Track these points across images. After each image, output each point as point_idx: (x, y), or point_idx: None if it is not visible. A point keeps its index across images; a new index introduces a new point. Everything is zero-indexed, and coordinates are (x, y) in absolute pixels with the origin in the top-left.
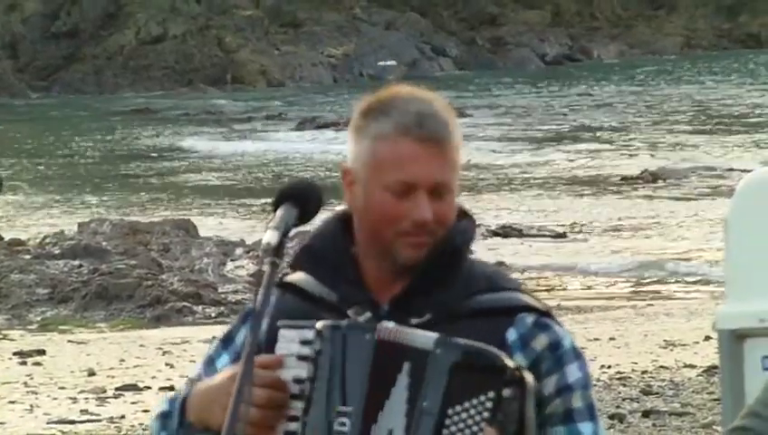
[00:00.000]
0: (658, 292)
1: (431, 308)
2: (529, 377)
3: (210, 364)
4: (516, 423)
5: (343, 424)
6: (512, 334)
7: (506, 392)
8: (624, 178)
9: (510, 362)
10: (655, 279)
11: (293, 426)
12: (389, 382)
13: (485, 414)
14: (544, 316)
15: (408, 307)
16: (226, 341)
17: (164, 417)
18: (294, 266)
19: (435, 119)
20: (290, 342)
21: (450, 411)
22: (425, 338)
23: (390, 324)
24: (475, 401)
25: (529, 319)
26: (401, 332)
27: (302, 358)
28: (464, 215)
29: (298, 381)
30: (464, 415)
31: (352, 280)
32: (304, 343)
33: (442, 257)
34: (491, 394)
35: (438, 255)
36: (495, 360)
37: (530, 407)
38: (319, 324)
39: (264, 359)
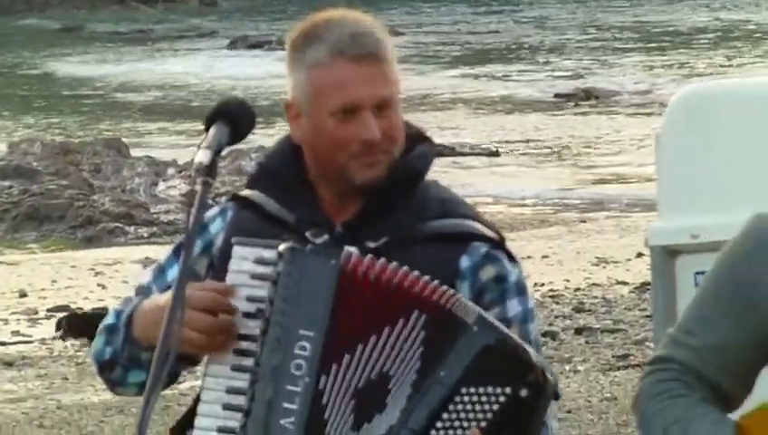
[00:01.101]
0: (592, 208)
1: (386, 232)
2: (552, 384)
3: (161, 273)
4: (523, 426)
5: (303, 348)
6: (464, 262)
7: (523, 392)
8: (557, 96)
9: (539, 364)
10: (588, 196)
11: (246, 344)
12: (382, 321)
13: (495, 407)
14: (496, 248)
15: (364, 230)
16: (178, 252)
17: (109, 331)
18: (250, 185)
19: (368, 37)
20: (243, 259)
21: (464, 390)
22: (468, 309)
23: (354, 252)
24: (490, 390)
25: (482, 249)
26: (457, 298)
27: (256, 276)
28: (423, 138)
29: (252, 299)
30: (474, 398)
31: (309, 202)
32: (259, 261)
33: (400, 181)
34: (508, 390)
35: (397, 178)
36: (526, 356)
37: (542, 413)
38: (281, 247)
39: (215, 285)
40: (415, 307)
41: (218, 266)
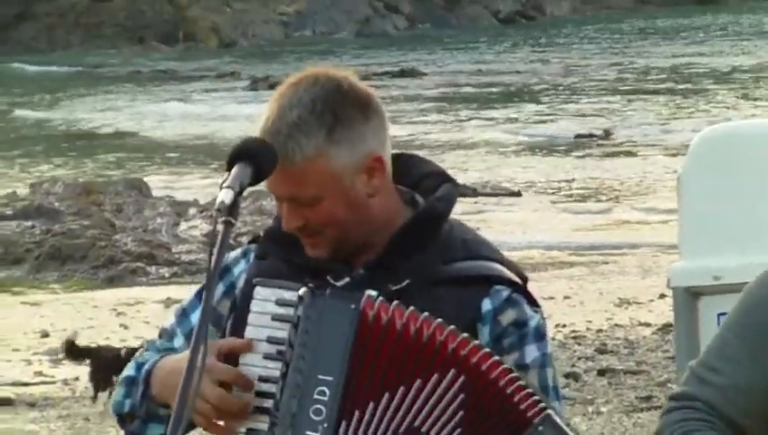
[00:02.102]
0: (614, 249)
1: (408, 273)
2: None
3: (184, 317)
4: None
5: (323, 393)
6: (486, 305)
7: None
8: (578, 136)
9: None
10: (610, 236)
11: (266, 386)
12: (415, 375)
13: None
14: (518, 292)
15: (386, 272)
16: (202, 293)
17: (129, 383)
18: (261, 252)
19: (278, 136)
20: (265, 300)
21: None
22: (535, 405)
23: (376, 296)
24: None
25: (504, 293)
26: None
27: (277, 318)
28: (446, 179)
29: (273, 341)
30: None
31: None
32: (280, 302)
33: (423, 223)
34: None
35: (420, 220)
36: None
37: None
38: (301, 290)
39: (233, 342)
40: (451, 366)
41: (240, 307)
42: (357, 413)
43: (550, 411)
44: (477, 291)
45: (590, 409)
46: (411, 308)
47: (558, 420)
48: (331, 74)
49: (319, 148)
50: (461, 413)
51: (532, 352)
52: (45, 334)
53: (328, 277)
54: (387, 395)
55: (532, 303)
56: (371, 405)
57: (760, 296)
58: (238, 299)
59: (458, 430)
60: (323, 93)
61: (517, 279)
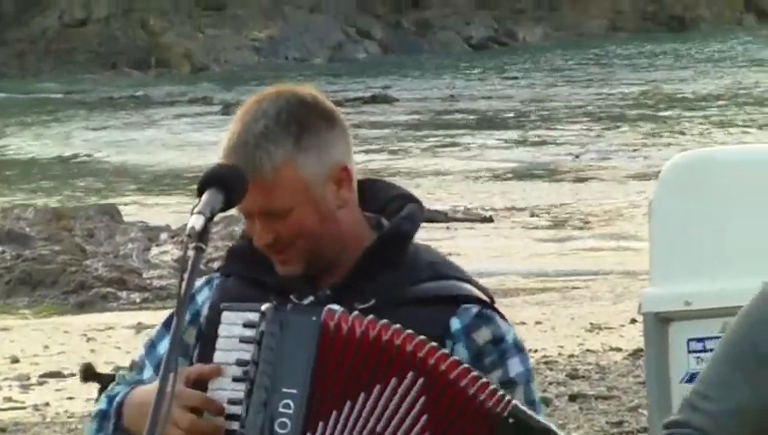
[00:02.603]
0: (585, 274)
1: (375, 293)
2: None
3: (152, 348)
4: None
5: (287, 406)
6: (455, 324)
7: None
8: (549, 162)
9: None
10: (582, 262)
11: (235, 408)
12: (373, 380)
13: None
14: (487, 308)
15: (353, 292)
16: (169, 323)
17: (102, 417)
18: (225, 269)
19: (245, 147)
20: (232, 324)
21: None
22: (499, 397)
23: (336, 307)
24: None
25: (473, 310)
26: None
27: (244, 340)
28: (408, 199)
29: (241, 363)
30: None
31: None
32: (247, 325)
33: (389, 243)
34: None
35: (385, 240)
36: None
37: None
38: (263, 307)
39: (199, 370)
40: (410, 369)
41: (207, 335)
42: (321, 424)
43: (515, 402)
44: (444, 310)
45: (562, 434)
46: (371, 317)
47: (525, 409)
48: (294, 89)
49: (287, 156)
50: (425, 416)
51: (515, 367)
52: (15, 360)
53: (291, 296)
54: (348, 404)
55: (503, 318)
56: (335, 415)
57: (752, 319)
58: (204, 326)
59: (426, 433)
60: (288, 105)
61: (485, 297)
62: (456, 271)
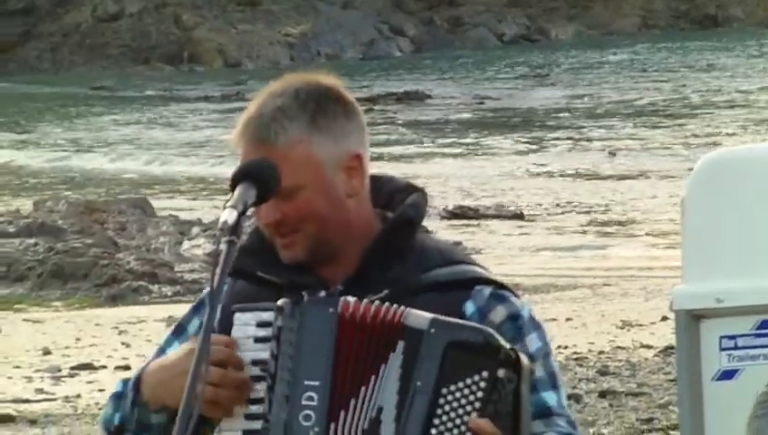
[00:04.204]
0: (617, 271)
1: (387, 284)
2: (525, 359)
3: (161, 354)
4: (511, 405)
5: (311, 398)
6: (470, 307)
7: (500, 373)
8: (583, 159)
9: (505, 343)
10: (613, 259)
11: (255, 408)
12: (379, 359)
13: (480, 394)
14: (500, 288)
15: (365, 284)
16: (178, 331)
17: (117, 398)
18: (238, 268)
19: (259, 121)
20: (245, 325)
21: (444, 391)
22: (420, 317)
23: (351, 298)
24: (469, 381)
25: (486, 291)
26: (401, 310)
27: (259, 340)
28: (412, 189)
29: (257, 363)
30: (458, 394)
31: (300, 268)
32: (261, 324)
33: (395, 231)
34: (485, 374)
35: (392, 228)
36: (490, 340)
37: (525, 388)
38: (280, 301)
39: (218, 338)
40: (399, 338)
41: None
42: (342, 413)
43: (435, 316)
44: (459, 294)
45: (592, 431)
46: (377, 302)
47: (444, 318)
48: (317, 76)
49: (302, 133)
50: (400, 371)
51: (534, 342)
52: (47, 352)
53: (303, 293)
54: (363, 389)
55: (517, 296)
56: (353, 402)
57: None
58: (216, 331)
59: (397, 385)
60: (307, 87)
61: (496, 278)
62: (464, 256)
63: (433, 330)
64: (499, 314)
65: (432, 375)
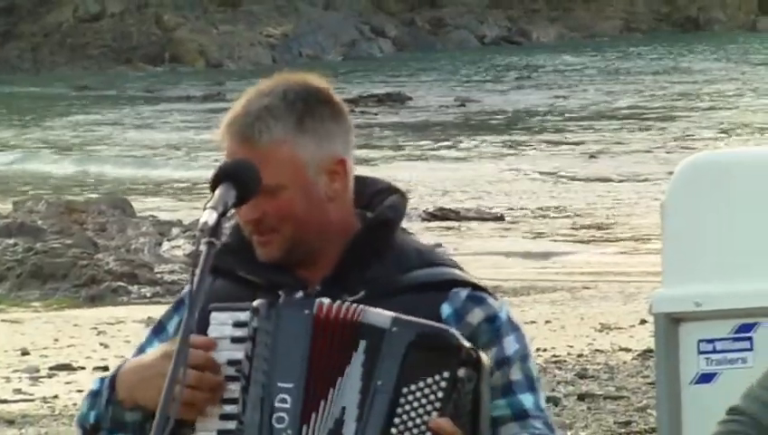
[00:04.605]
0: (596, 274)
1: (364, 284)
2: (485, 358)
3: (141, 353)
4: (471, 404)
5: (284, 401)
6: (446, 309)
7: (461, 372)
8: (563, 162)
9: (466, 343)
10: (592, 262)
11: (230, 408)
12: (344, 360)
13: (440, 394)
14: (477, 290)
15: (342, 285)
16: (157, 330)
17: (93, 396)
18: (216, 268)
19: (245, 118)
20: (222, 324)
21: (405, 390)
22: (381, 316)
23: (327, 300)
24: (429, 381)
25: (463, 293)
26: (361, 309)
27: (235, 340)
28: (392, 190)
29: (233, 362)
30: (418, 394)
31: (279, 268)
32: (237, 324)
33: (374, 231)
34: (446, 374)
35: (370, 229)
36: (451, 339)
37: (485, 387)
38: (255, 302)
39: (196, 340)
40: (361, 338)
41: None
42: (313, 415)
43: (397, 315)
44: (435, 296)
45: (569, 434)
46: (351, 304)
47: (405, 317)
48: (306, 77)
49: (287, 133)
50: (361, 371)
51: (511, 345)
52: (25, 352)
53: (280, 293)
54: (331, 390)
55: (495, 298)
56: (322, 403)
57: None
58: (194, 329)
59: (359, 384)
60: (296, 87)
61: (475, 280)
62: (443, 258)
63: (395, 329)
64: (476, 315)
65: (393, 374)
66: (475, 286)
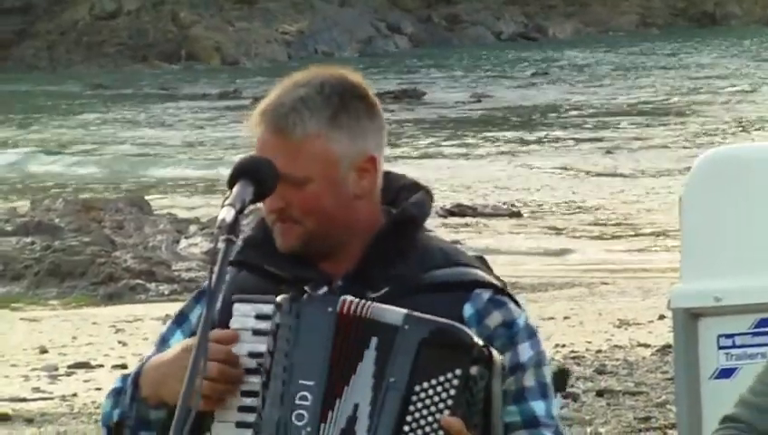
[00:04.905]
0: (614, 270)
1: (388, 281)
2: (497, 356)
3: (164, 344)
4: (483, 402)
5: (305, 398)
6: (468, 310)
7: (473, 370)
8: (580, 158)
9: (478, 340)
10: (610, 257)
11: (249, 401)
12: (356, 357)
13: (452, 392)
14: (500, 293)
15: (365, 281)
16: (180, 319)
17: (116, 394)
18: (239, 257)
19: (279, 109)
20: (245, 316)
21: (417, 388)
22: (394, 313)
23: (351, 298)
24: (441, 378)
25: (485, 295)
26: (372, 306)
27: (257, 332)
28: (418, 187)
29: (254, 355)
30: (430, 392)
31: (302, 261)
32: (260, 317)
33: (398, 228)
34: (458, 371)
35: (395, 225)
36: (463, 337)
37: (497, 385)
38: (279, 298)
39: (219, 334)
40: (373, 335)
41: (220, 325)
42: (330, 414)
43: (409, 312)
44: (458, 296)
45: (589, 430)
46: (369, 302)
47: (417, 314)
48: (344, 72)
49: (321, 127)
50: (373, 368)
51: (526, 351)
52: (44, 350)
53: (305, 288)
54: (346, 388)
55: (517, 303)
56: (338, 402)
57: None
58: (216, 321)
59: (372, 381)
60: (334, 81)
61: (497, 282)
62: (467, 257)
63: (407, 326)
64: (495, 319)
65: (405, 372)
66: (498, 289)
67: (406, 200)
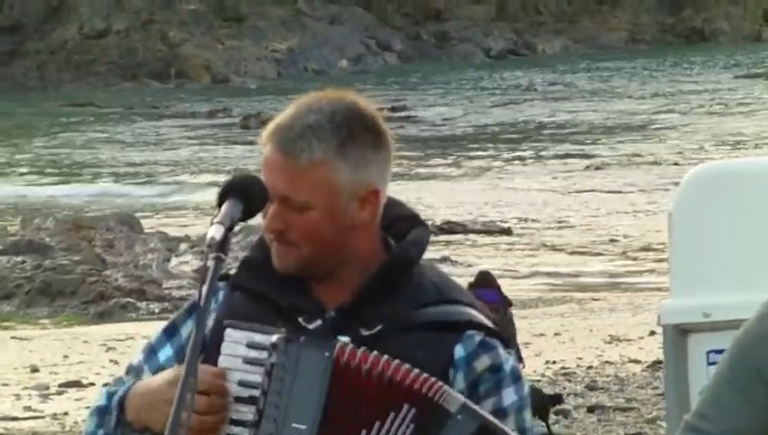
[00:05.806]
0: (604, 286)
1: (381, 319)
2: None
3: (152, 354)
4: None
5: None
6: (459, 351)
7: None
8: (569, 173)
9: None
10: (601, 274)
11: (238, 430)
12: (373, 414)
13: None
14: (491, 335)
15: (359, 317)
16: (170, 332)
17: (101, 413)
18: (237, 282)
19: (289, 133)
20: (236, 343)
21: None
22: (451, 398)
23: (349, 345)
24: None
25: (477, 337)
26: (440, 387)
27: (248, 361)
28: (417, 222)
29: (244, 384)
30: None
31: (299, 287)
32: (252, 346)
33: (395, 267)
34: None
35: (392, 264)
36: None
37: None
38: (274, 337)
39: (207, 369)
40: (405, 401)
41: (210, 347)
42: None
43: (465, 401)
44: (450, 336)
45: None
46: (374, 353)
47: (473, 405)
48: (357, 99)
49: (327, 156)
50: None
51: (510, 396)
52: (35, 369)
53: (299, 319)
54: None
55: (505, 345)
56: None
57: (749, 337)
58: (207, 339)
59: None
60: (345, 110)
61: (489, 323)
62: (459, 293)
63: (460, 416)
64: (483, 363)
65: None
66: (489, 331)
67: (403, 234)
